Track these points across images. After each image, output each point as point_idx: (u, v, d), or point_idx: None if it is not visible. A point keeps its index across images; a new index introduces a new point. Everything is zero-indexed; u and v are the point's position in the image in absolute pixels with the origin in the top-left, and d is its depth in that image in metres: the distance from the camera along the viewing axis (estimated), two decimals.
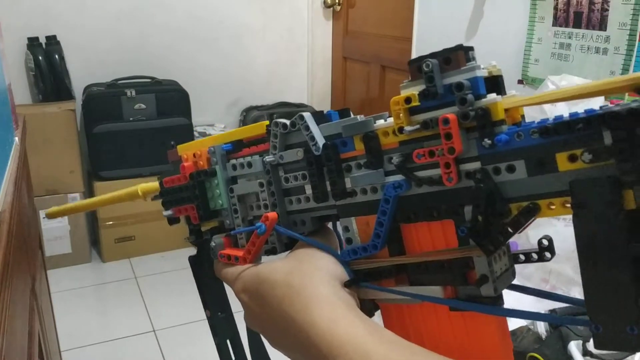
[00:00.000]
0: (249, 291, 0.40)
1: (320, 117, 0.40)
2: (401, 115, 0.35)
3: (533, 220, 0.32)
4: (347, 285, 0.38)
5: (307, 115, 0.40)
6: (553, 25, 1.70)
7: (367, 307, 0.39)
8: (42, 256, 1.36)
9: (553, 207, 0.31)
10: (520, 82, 1.83)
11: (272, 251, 0.44)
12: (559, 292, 1.31)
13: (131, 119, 2.46)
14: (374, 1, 2.63)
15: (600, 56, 1.56)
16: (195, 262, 0.50)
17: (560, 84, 1.49)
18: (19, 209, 0.85)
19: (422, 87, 0.34)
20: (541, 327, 1.25)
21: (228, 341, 0.51)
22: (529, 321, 1.26)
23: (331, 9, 2.92)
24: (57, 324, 1.49)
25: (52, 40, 2.42)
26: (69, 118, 2.37)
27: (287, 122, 0.41)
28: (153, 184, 0.50)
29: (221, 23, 2.77)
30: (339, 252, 0.40)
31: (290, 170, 0.42)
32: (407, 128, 0.35)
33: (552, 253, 0.36)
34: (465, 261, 0.35)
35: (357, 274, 0.39)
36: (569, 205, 0.30)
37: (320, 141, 0.39)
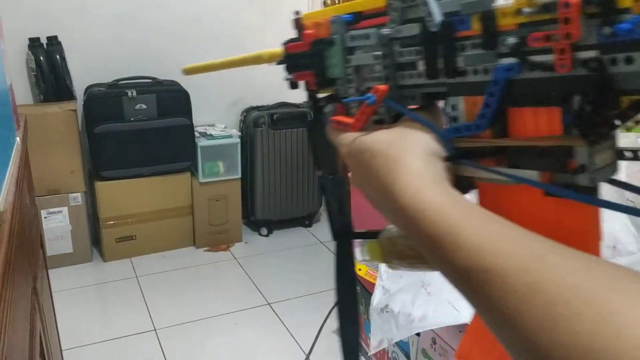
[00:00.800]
0: (353, 156, 0.42)
1: None
2: None
3: None
4: (446, 159, 0.39)
5: None
6: None
7: (464, 184, 0.40)
8: (43, 256, 1.36)
9: None
10: None
11: (380, 122, 0.45)
12: None
13: (132, 119, 2.47)
14: None
15: None
16: (312, 125, 0.52)
17: None
18: (21, 209, 0.86)
19: None
20: None
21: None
22: None
23: None
24: (59, 322, 1.49)
25: (53, 40, 2.43)
26: (70, 118, 2.38)
27: None
28: (278, 50, 0.53)
29: (221, 23, 2.78)
30: (442, 129, 0.41)
31: (405, 45, 0.42)
32: (526, 9, 0.34)
33: None
34: (566, 149, 0.35)
35: (458, 152, 0.40)
36: None
37: (438, 17, 0.39)
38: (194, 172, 2.68)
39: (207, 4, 2.72)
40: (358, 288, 1.89)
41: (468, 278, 0.31)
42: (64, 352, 1.57)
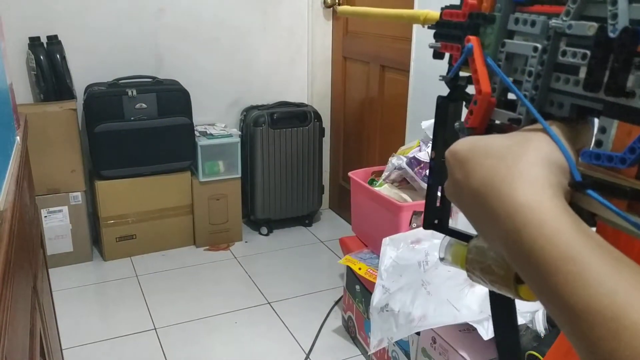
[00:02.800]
0: (458, 154, 0.37)
1: None
2: None
3: None
4: (573, 185, 0.34)
5: None
6: None
7: (582, 219, 0.35)
8: (43, 255, 1.37)
9: None
10: None
11: (517, 121, 0.39)
12: None
13: (132, 118, 2.47)
14: (374, 1, 2.63)
15: None
16: (442, 103, 0.47)
17: None
18: (21, 208, 0.86)
19: None
20: (540, 325, 1.25)
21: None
22: (528, 319, 1.27)
23: (331, 9, 2.93)
24: (59, 322, 1.49)
25: (53, 39, 2.43)
26: (70, 117, 2.38)
27: None
28: (435, 14, 0.48)
29: (222, 23, 2.78)
30: (585, 149, 0.35)
31: (572, 44, 0.36)
32: None
33: None
34: None
35: (586, 180, 0.34)
36: None
37: (622, 22, 0.32)
38: (194, 171, 2.69)
39: (207, 3, 2.72)
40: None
41: (585, 319, 0.27)
42: (64, 351, 1.57)
